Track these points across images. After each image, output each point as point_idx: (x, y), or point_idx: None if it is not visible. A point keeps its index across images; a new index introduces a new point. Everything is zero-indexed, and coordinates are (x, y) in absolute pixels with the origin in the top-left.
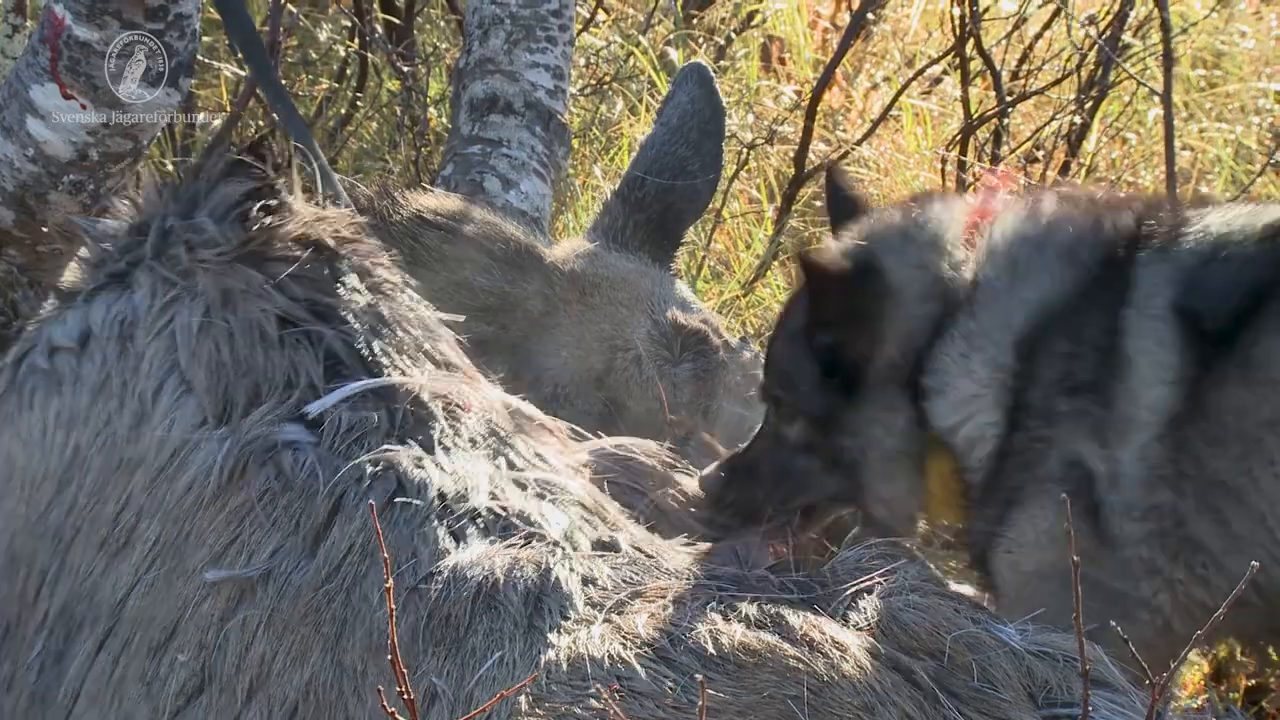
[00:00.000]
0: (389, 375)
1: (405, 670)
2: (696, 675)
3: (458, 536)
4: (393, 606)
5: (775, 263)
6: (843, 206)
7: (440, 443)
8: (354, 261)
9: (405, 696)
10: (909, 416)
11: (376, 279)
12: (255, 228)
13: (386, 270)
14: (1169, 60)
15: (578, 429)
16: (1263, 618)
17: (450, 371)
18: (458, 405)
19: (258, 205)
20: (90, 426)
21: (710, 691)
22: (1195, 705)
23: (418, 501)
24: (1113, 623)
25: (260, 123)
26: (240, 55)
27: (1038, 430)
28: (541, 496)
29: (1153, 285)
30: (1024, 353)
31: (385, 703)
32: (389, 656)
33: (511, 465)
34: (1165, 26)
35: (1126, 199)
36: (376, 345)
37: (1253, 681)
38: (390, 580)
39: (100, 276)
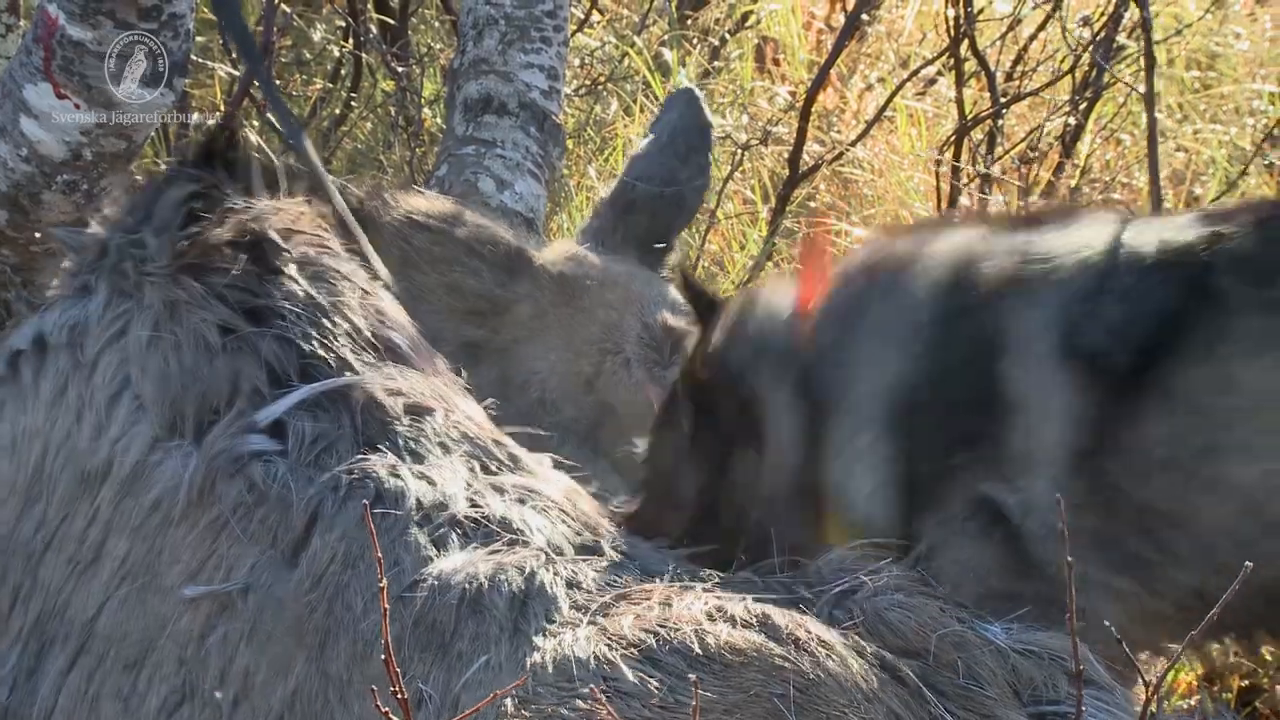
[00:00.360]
0: (338, 373)
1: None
2: (688, 675)
3: (439, 544)
4: (385, 606)
5: (769, 263)
6: (702, 304)
7: (410, 449)
8: (297, 253)
9: (399, 696)
10: (816, 524)
11: (320, 267)
12: (185, 240)
13: (334, 258)
14: (1150, 60)
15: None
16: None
17: (402, 363)
18: (417, 403)
19: (198, 208)
20: (54, 439)
21: (691, 690)
22: (1187, 706)
23: (397, 511)
24: (1106, 622)
25: (254, 123)
26: (234, 54)
27: (937, 488)
28: (522, 502)
29: (1028, 331)
30: (900, 435)
31: (379, 703)
32: (382, 656)
33: (487, 470)
34: (1145, 26)
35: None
36: (315, 341)
37: (1246, 682)
38: (384, 579)
39: (70, 288)
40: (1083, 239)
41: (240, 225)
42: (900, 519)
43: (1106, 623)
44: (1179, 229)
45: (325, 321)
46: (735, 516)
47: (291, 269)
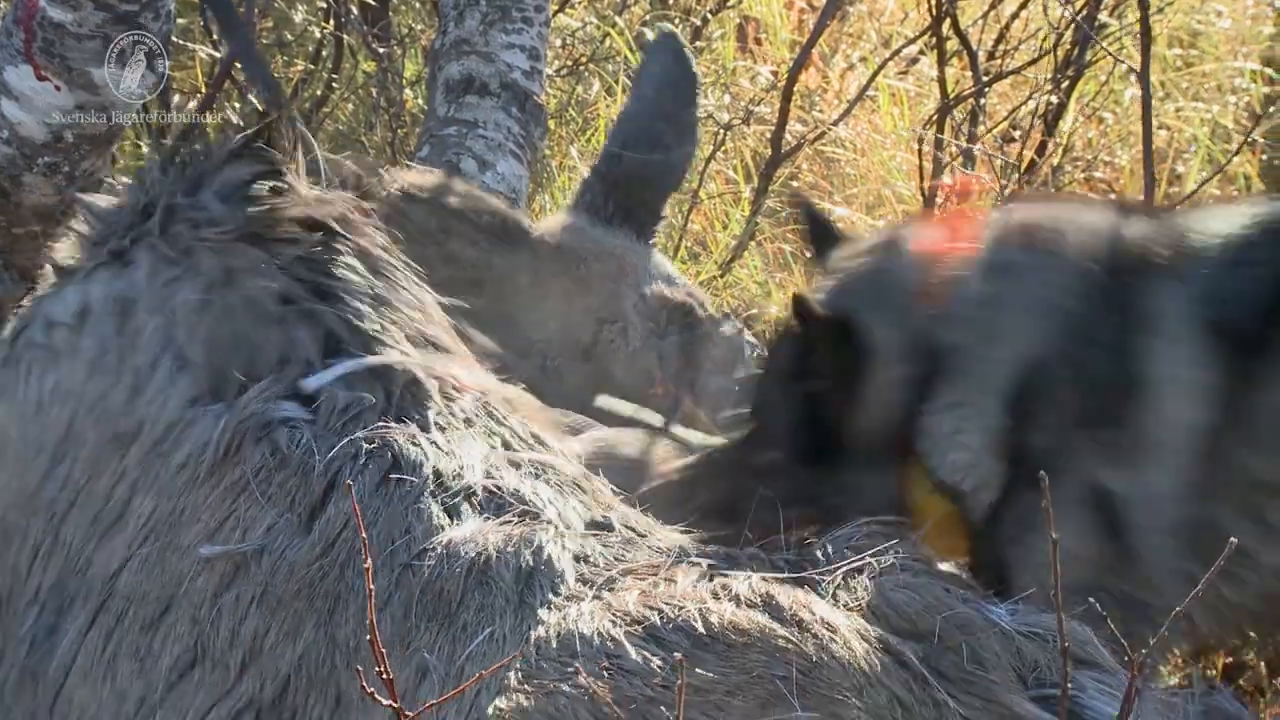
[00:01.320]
0: (386, 355)
1: (398, 645)
2: (691, 654)
3: (452, 513)
4: (371, 587)
5: (752, 243)
6: (821, 237)
7: (436, 422)
8: (355, 244)
9: (385, 677)
10: (899, 473)
11: (376, 261)
12: (259, 208)
13: (386, 253)
14: (1146, 39)
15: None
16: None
17: (446, 355)
18: (454, 387)
19: (263, 187)
20: (85, 401)
21: (699, 670)
22: (1175, 683)
23: (413, 479)
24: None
25: (236, 105)
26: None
27: (1046, 464)
28: (536, 476)
29: (1168, 306)
30: (1019, 409)
31: (364, 683)
32: (387, 624)
33: (507, 445)
34: (1143, 4)
35: (1094, 208)
36: (375, 325)
37: (1230, 659)
38: (369, 561)
39: (101, 254)
40: (1226, 222)
41: (307, 205)
42: (991, 489)
43: (1091, 600)
44: None
45: (385, 310)
46: (816, 471)
47: (354, 259)
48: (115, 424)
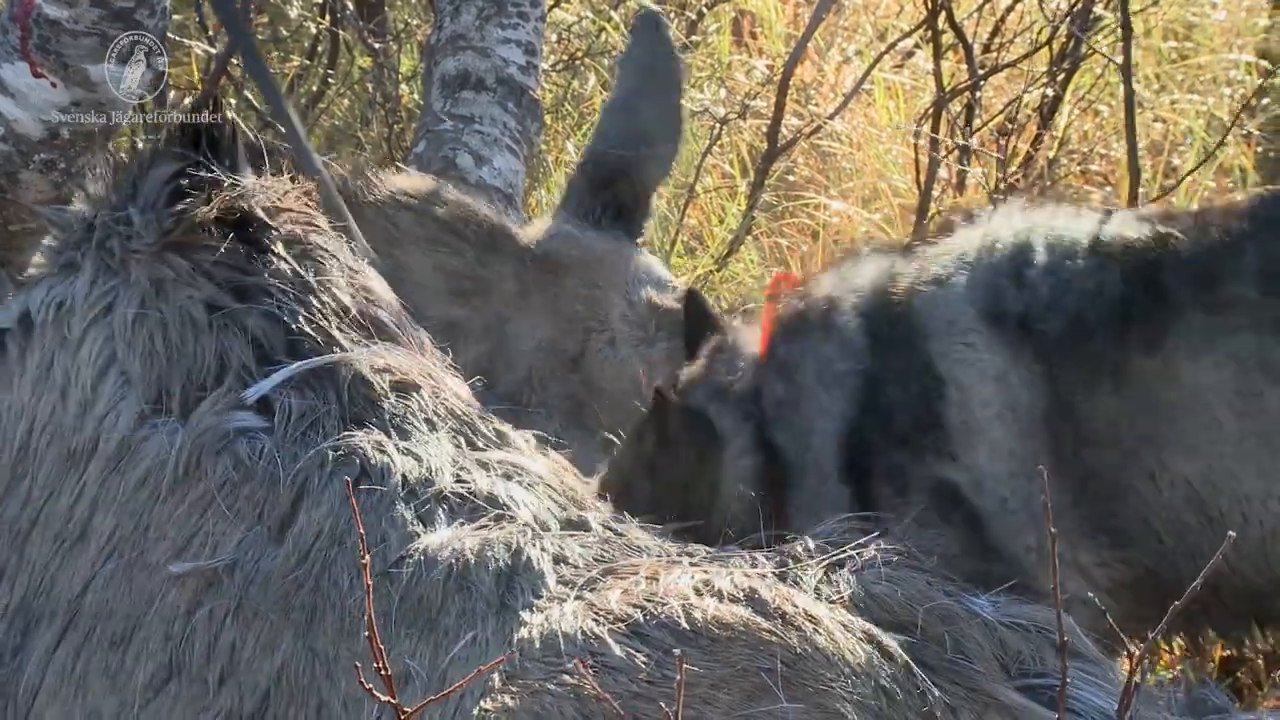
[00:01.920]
0: (325, 351)
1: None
2: (673, 650)
3: (425, 520)
4: (369, 582)
5: (748, 238)
6: (698, 328)
7: (396, 425)
8: (285, 231)
9: (383, 673)
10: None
11: (308, 245)
12: (172, 218)
13: (321, 235)
14: (1127, 31)
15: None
16: (1157, 604)
17: (389, 340)
18: (402, 379)
19: (184, 186)
20: (38, 417)
21: (684, 665)
22: (1171, 677)
23: (382, 487)
24: (1090, 594)
25: (232, 100)
26: (212, 31)
27: (895, 483)
28: (508, 478)
29: (951, 310)
30: (856, 473)
31: (362, 679)
32: (365, 634)
33: (473, 445)
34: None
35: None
36: (302, 318)
37: (1228, 653)
38: (367, 556)
39: (54, 266)
40: (975, 236)
41: (227, 203)
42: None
43: (1090, 594)
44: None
45: (312, 299)
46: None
47: (279, 247)
48: (69, 440)
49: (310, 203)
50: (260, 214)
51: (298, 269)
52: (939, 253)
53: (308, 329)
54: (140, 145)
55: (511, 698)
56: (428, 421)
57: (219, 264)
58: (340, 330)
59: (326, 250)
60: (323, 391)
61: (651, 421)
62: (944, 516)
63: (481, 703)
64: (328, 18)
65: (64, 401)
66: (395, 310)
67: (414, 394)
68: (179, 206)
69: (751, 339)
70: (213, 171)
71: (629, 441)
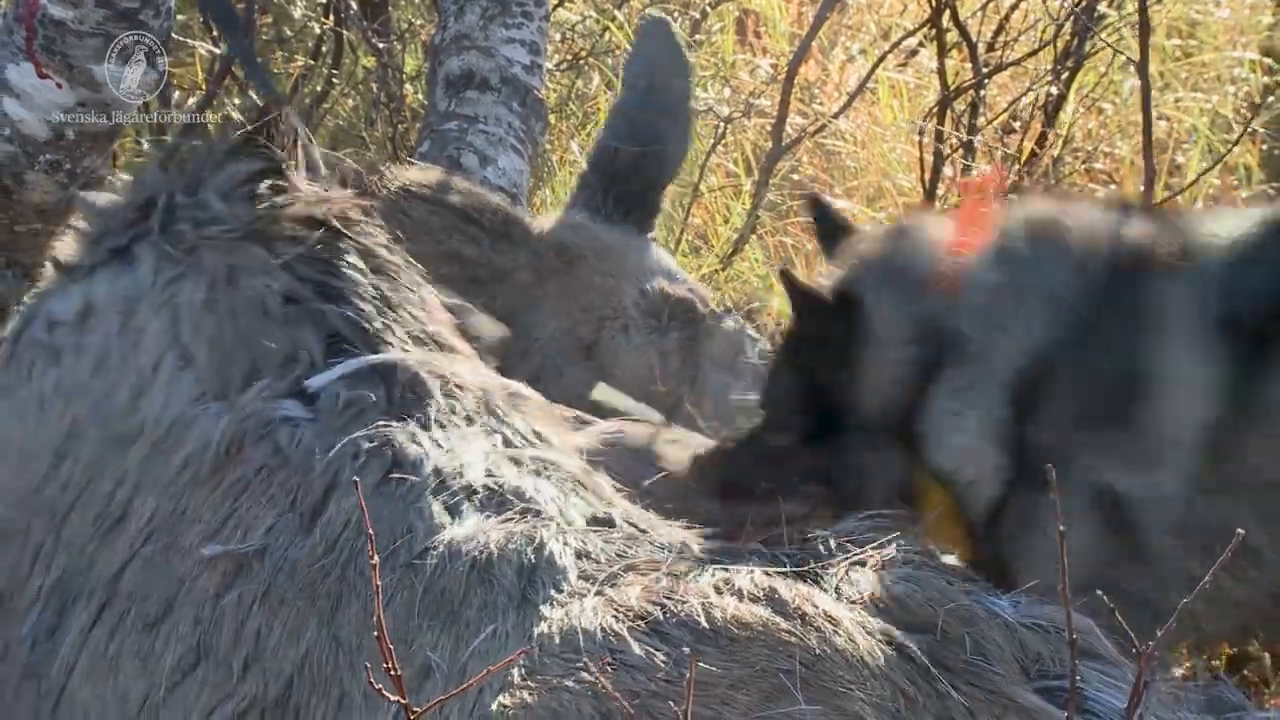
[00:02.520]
0: (388, 353)
1: (401, 644)
2: (697, 648)
3: (453, 512)
4: (378, 584)
5: (753, 237)
6: (830, 232)
7: (436, 420)
8: (358, 243)
9: (392, 673)
10: (902, 457)
11: (379, 260)
12: (262, 207)
13: (388, 252)
14: (1145, 29)
15: (582, 415)
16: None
17: (449, 353)
18: (456, 385)
19: (265, 184)
20: (88, 400)
21: (702, 665)
22: (1179, 674)
23: (413, 478)
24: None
25: (236, 101)
26: (216, 31)
27: (1050, 461)
28: (537, 473)
29: (1173, 303)
30: (1023, 401)
31: (371, 679)
32: (390, 623)
33: (508, 443)
34: None
35: (1100, 208)
36: (378, 325)
37: (1235, 651)
38: (375, 557)
39: (101, 251)
40: (1232, 223)
41: (310, 204)
42: (990, 483)
43: (1099, 592)
44: None
45: (389, 310)
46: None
47: (357, 258)
48: (118, 425)
49: (374, 217)
50: (335, 223)
51: (375, 279)
52: (1192, 229)
53: (383, 334)
54: (209, 139)
55: (530, 694)
56: (467, 419)
57: (302, 259)
58: (411, 339)
59: (397, 266)
60: (374, 386)
61: (798, 318)
62: (1096, 514)
63: (500, 698)
64: (332, 18)
65: (118, 385)
66: (452, 326)
67: (462, 396)
68: (264, 201)
69: (939, 234)
70: (286, 175)
71: (773, 352)
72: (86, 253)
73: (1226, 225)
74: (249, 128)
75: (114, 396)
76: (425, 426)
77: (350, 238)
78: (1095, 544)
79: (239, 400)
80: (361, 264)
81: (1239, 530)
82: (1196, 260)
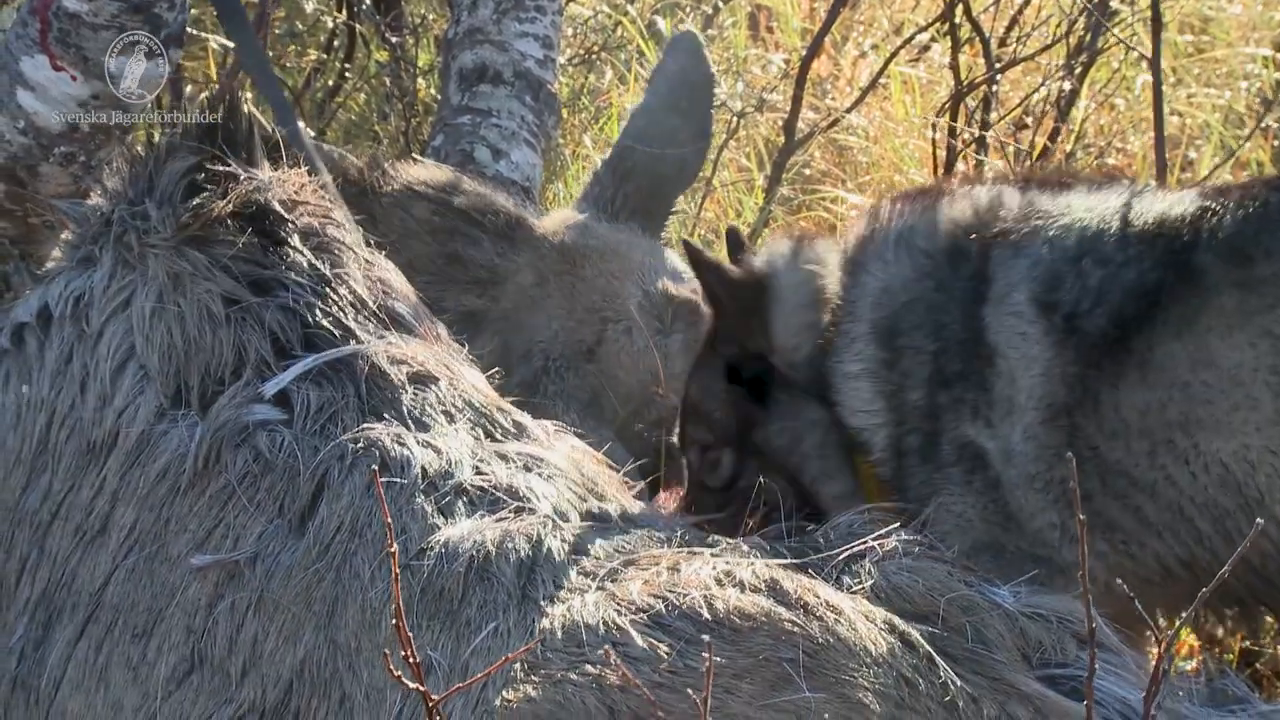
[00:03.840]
0: (342, 343)
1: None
2: (699, 639)
3: (445, 512)
4: (396, 570)
5: (765, 231)
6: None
7: (415, 417)
8: (302, 223)
9: (411, 660)
10: (823, 417)
11: (325, 238)
12: (188, 212)
13: (337, 228)
14: (1157, 24)
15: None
16: (1189, 591)
17: (406, 332)
18: (421, 374)
19: (201, 180)
20: (59, 410)
21: (705, 655)
22: (1190, 668)
23: (402, 480)
24: (1119, 580)
25: (249, 94)
26: (225, 30)
27: (924, 424)
28: (528, 469)
29: (1009, 281)
30: (887, 344)
31: (390, 666)
32: (392, 621)
33: (491, 437)
34: None
35: (969, 185)
36: (319, 311)
37: (1247, 643)
38: (394, 544)
39: (73, 259)
40: (1086, 204)
41: (243, 196)
42: (882, 430)
43: (1119, 581)
44: (1173, 203)
45: (329, 291)
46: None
47: (295, 240)
48: (89, 434)
49: (328, 195)
50: (277, 207)
51: (314, 262)
52: (1042, 209)
53: (325, 322)
54: (157, 139)
55: (533, 688)
56: (446, 413)
57: (236, 258)
58: (357, 322)
59: (343, 243)
60: (341, 384)
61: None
62: (967, 476)
63: (504, 693)
64: (344, 12)
65: (83, 395)
66: (412, 301)
67: (432, 386)
68: (195, 201)
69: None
70: (229, 165)
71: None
72: (63, 259)
73: (1085, 204)
74: (190, 122)
75: (81, 406)
76: (407, 425)
77: (291, 220)
78: (974, 502)
79: (210, 409)
80: (302, 247)
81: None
82: (1036, 241)
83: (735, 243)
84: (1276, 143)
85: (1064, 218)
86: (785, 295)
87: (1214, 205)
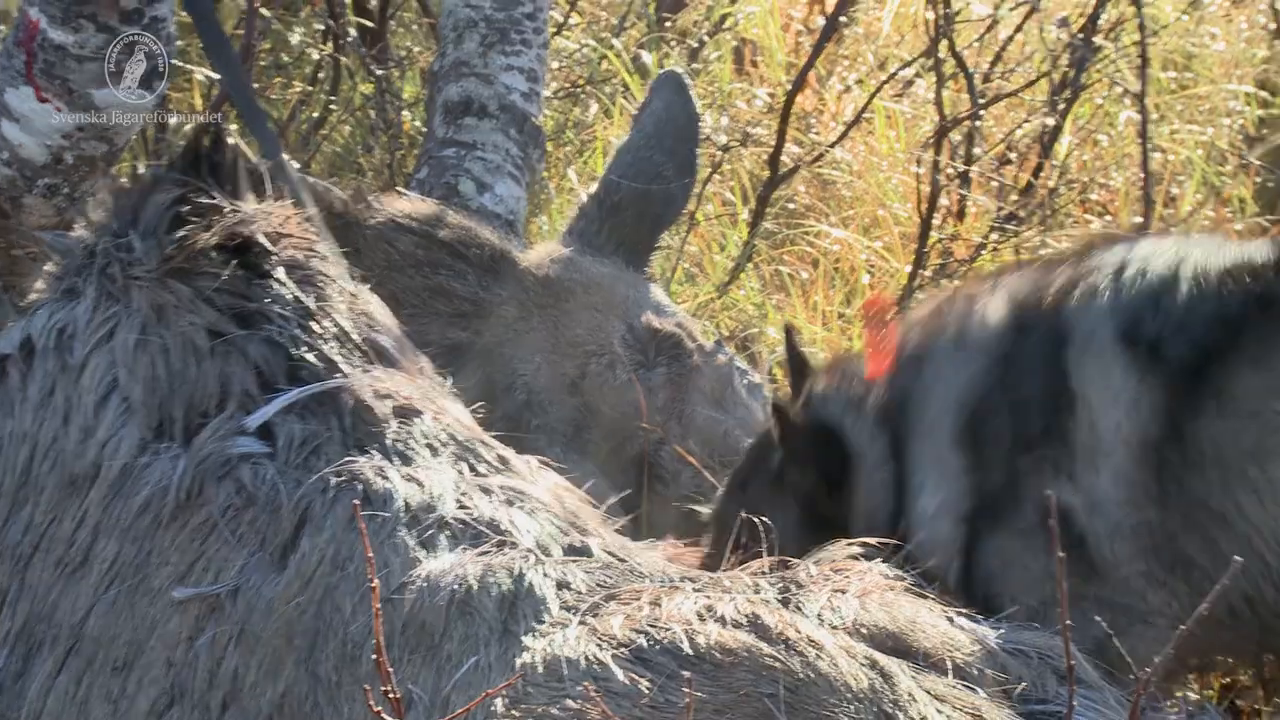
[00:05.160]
0: (326, 376)
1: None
2: (679, 674)
3: (428, 546)
4: (377, 605)
5: (749, 265)
6: (796, 364)
7: (398, 450)
8: (286, 256)
9: (391, 695)
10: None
11: (309, 271)
12: (173, 244)
13: (322, 261)
14: (1145, 61)
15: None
16: (1255, 633)
17: (390, 365)
18: (405, 407)
19: (185, 212)
20: (41, 442)
21: (686, 690)
22: (1169, 703)
23: (384, 513)
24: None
25: (234, 126)
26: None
27: (1006, 497)
28: (510, 503)
29: (1090, 323)
30: (969, 451)
31: (371, 701)
32: (372, 657)
33: (474, 470)
34: (1141, 27)
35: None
36: (303, 344)
37: (1227, 679)
38: (375, 579)
39: (56, 291)
40: (1133, 253)
41: (227, 229)
42: (961, 535)
43: (1097, 618)
44: (1248, 246)
45: (313, 325)
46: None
47: (279, 272)
48: (71, 466)
49: (312, 228)
50: (261, 239)
51: (299, 294)
52: (1091, 266)
53: (309, 355)
54: (142, 171)
55: None
56: (429, 447)
57: (220, 290)
58: (341, 355)
59: (327, 275)
60: (325, 417)
61: (777, 441)
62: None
63: None
64: (330, 44)
65: (66, 427)
66: (395, 335)
67: (415, 419)
68: (180, 233)
69: (864, 361)
70: (214, 197)
71: (749, 463)
72: (46, 291)
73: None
74: (174, 153)
75: (63, 438)
76: (389, 458)
77: (275, 253)
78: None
79: (193, 442)
80: (287, 280)
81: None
82: (1109, 285)
83: (798, 366)
84: (1259, 179)
85: (1130, 264)
86: (862, 461)
87: None
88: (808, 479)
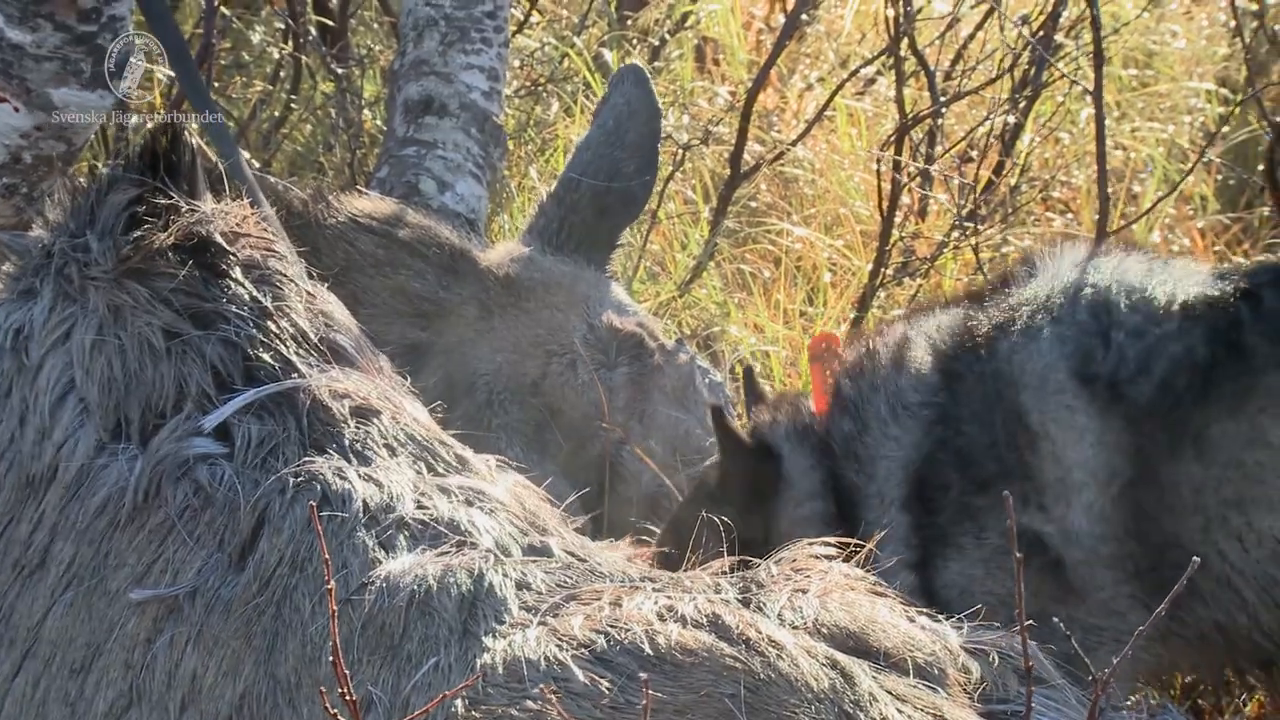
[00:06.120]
0: (283, 377)
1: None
2: (640, 674)
3: (387, 546)
4: (334, 608)
5: (711, 264)
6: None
7: (356, 451)
8: (243, 256)
9: (348, 697)
10: None
11: (266, 271)
12: (129, 245)
13: (279, 261)
14: (1099, 59)
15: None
16: (1221, 655)
17: (348, 365)
18: (364, 408)
19: (142, 212)
20: None
21: (647, 691)
22: (1133, 701)
23: (343, 514)
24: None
25: (193, 125)
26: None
27: (964, 532)
28: (469, 504)
29: (1041, 364)
30: (918, 506)
31: (327, 704)
32: (330, 659)
33: (434, 470)
34: (1095, 24)
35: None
36: (260, 344)
37: (1188, 679)
38: (331, 581)
39: (13, 292)
40: (1050, 287)
41: (184, 229)
42: (912, 580)
43: (1055, 620)
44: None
45: (270, 324)
46: None
47: (236, 272)
48: (28, 467)
49: (270, 227)
50: (218, 239)
51: (256, 294)
52: (1018, 303)
53: (265, 355)
54: (99, 170)
55: None
56: (388, 447)
57: (177, 290)
58: (299, 355)
59: (285, 275)
60: (282, 418)
61: (722, 458)
62: (1029, 556)
63: None
64: (290, 43)
65: (22, 428)
66: (354, 334)
67: (374, 419)
68: (136, 233)
69: (810, 399)
70: (171, 197)
71: (706, 478)
72: (3, 291)
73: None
74: (130, 152)
75: (20, 439)
76: (348, 459)
77: (232, 252)
78: (1031, 583)
79: (150, 443)
80: (243, 279)
81: (1195, 558)
82: (1052, 321)
83: (753, 391)
84: (1219, 176)
85: (1057, 295)
86: (792, 497)
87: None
88: (736, 489)
